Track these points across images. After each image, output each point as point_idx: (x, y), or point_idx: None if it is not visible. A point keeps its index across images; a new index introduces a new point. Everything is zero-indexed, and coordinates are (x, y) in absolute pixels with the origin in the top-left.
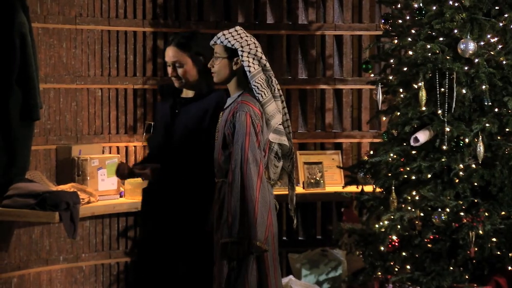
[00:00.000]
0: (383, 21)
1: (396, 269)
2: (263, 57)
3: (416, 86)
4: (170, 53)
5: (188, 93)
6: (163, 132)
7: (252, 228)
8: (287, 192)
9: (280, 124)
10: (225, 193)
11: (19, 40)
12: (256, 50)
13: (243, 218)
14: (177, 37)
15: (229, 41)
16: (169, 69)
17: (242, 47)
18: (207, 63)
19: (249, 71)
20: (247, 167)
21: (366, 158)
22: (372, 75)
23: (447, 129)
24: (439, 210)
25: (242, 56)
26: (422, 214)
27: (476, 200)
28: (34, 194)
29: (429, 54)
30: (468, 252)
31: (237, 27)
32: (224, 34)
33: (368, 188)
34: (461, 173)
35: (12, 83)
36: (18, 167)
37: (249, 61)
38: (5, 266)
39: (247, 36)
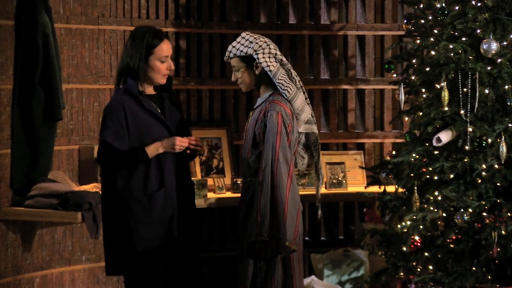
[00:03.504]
0: (405, 21)
1: (419, 270)
2: (278, 52)
3: (438, 86)
4: (169, 48)
5: (146, 90)
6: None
7: (282, 228)
8: (309, 192)
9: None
10: (254, 192)
11: (42, 40)
12: (269, 48)
13: (272, 218)
14: (161, 31)
15: (241, 51)
16: (167, 64)
17: (255, 50)
18: None
19: (270, 71)
20: (278, 167)
21: (388, 158)
22: (395, 75)
23: (470, 129)
24: (462, 210)
25: (258, 58)
26: (444, 215)
27: (498, 201)
28: (56, 194)
29: (452, 54)
30: (491, 252)
31: (243, 34)
32: (234, 46)
33: (391, 189)
34: (483, 173)
35: (35, 84)
36: (40, 167)
37: (266, 61)
38: (27, 266)
39: (255, 38)
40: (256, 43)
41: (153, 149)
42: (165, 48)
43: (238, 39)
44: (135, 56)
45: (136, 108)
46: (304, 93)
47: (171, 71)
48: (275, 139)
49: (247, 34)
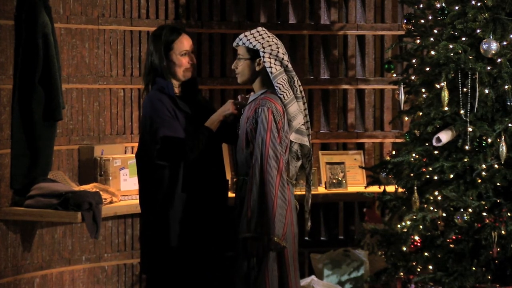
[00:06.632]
0: (405, 21)
1: (419, 269)
2: (285, 57)
3: (438, 86)
4: (189, 42)
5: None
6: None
7: (271, 224)
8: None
9: (302, 125)
10: (247, 190)
11: (42, 40)
12: (278, 51)
13: (261, 213)
14: (181, 26)
15: (251, 42)
16: (189, 58)
17: (263, 48)
18: None
19: (271, 72)
20: (268, 163)
21: (388, 158)
22: (395, 75)
23: (470, 129)
24: (462, 210)
25: (263, 57)
26: (444, 214)
27: (498, 200)
28: (56, 194)
29: (452, 54)
30: (491, 252)
31: (259, 28)
32: (246, 36)
33: (390, 188)
34: (483, 173)
35: (35, 84)
36: (40, 167)
37: (270, 62)
38: (27, 266)
39: (268, 36)
40: (267, 41)
41: (212, 122)
42: (184, 42)
43: (253, 30)
44: (156, 54)
45: (175, 108)
46: (304, 103)
47: (194, 67)
48: (265, 135)
49: (263, 30)
